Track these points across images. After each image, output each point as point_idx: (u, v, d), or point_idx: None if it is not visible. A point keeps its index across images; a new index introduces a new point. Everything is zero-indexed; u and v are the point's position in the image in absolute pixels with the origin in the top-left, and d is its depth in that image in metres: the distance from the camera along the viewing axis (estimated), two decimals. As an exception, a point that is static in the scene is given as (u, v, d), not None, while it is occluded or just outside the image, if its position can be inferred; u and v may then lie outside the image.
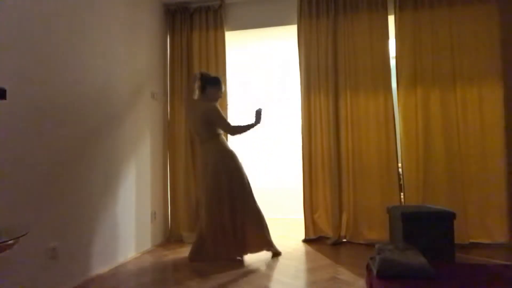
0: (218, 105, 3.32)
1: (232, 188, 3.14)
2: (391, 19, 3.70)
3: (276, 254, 3.24)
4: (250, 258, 3.17)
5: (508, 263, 2.76)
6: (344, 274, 2.68)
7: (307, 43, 3.85)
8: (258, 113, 3.25)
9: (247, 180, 3.26)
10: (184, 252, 3.46)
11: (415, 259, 1.90)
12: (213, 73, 3.61)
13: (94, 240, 2.80)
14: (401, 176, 3.63)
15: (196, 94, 3.36)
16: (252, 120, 3.23)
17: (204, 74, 3.40)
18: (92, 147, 2.82)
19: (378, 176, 3.60)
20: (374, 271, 1.89)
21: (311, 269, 2.87)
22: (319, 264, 2.96)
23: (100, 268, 2.84)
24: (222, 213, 3.10)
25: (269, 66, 5.52)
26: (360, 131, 3.67)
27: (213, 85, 3.33)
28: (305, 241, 3.72)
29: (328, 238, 3.69)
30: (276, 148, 5.43)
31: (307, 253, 3.35)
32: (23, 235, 1.42)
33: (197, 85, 3.35)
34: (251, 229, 3.16)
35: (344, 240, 3.66)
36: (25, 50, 2.23)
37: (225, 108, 3.91)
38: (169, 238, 4.02)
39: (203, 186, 3.26)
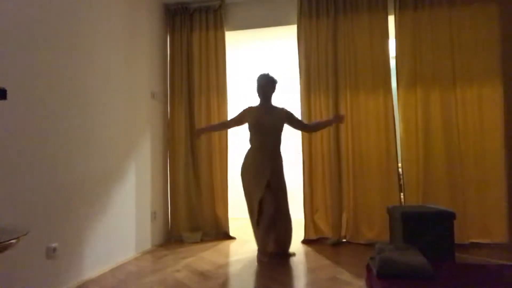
0: (256, 106, 3.29)
1: None
2: (391, 19, 3.71)
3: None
4: (250, 259, 3.18)
5: (508, 263, 2.76)
6: (344, 274, 2.68)
7: (307, 43, 3.85)
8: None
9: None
10: (184, 252, 3.47)
11: (415, 259, 1.90)
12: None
13: (94, 240, 2.80)
14: (401, 176, 3.63)
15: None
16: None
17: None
18: (92, 147, 2.82)
19: (378, 176, 3.61)
20: (374, 271, 1.90)
21: (311, 269, 2.87)
22: (319, 264, 2.96)
23: (100, 268, 2.84)
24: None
25: (269, 66, 5.52)
26: (360, 131, 3.68)
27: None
28: (305, 241, 3.72)
29: (328, 238, 3.69)
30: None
31: (307, 253, 3.35)
32: (24, 235, 1.42)
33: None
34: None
35: (344, 240, 3.66)
36: (25, 50, 2.23)
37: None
38: (169, 238, 4.02)
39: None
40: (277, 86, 3.31)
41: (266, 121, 3.18)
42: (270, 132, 3.19)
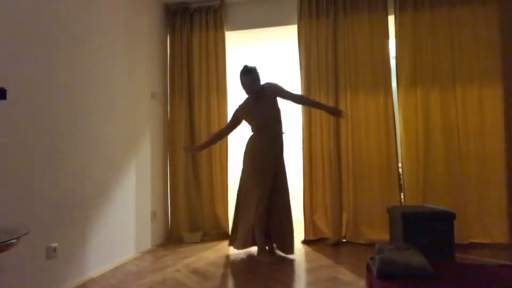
0: (244, 101, 3.28)
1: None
2: (391, 19, 3.71)
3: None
4: (250, 258, 3.18)
5: (508, 263, 2.76)
6: (344, 274, 2.68)
7: (307, 43, 3.85)
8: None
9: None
10: (184, 252, 3.47)
11: (415, 259, 1.89)
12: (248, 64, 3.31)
13: (94, 240, 2.80)
14: (401, 176, 3.63)
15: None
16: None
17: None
18: (92, 147, 2.82)
19: (378, 176, 3.61)
20: (374, 271, 1.89)
21: (311, 269, 2.87)
22: (319, 264, 2.96)
23: (100, 268, 2.84)
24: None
25: (269, 66, 5.52)
26: (360, 131, 3.68)
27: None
28: (305, 241, 3.72)
29: (328, 238, 3.69)
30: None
31: (307, 253, 3.35)
32: (24, 234, 1.42)
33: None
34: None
35: (344, 240, 3.66)
36: (25, 50, 2.23)
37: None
38: (169, 238, 4.02)
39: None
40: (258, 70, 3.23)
41: (258, 113, 3.18)
42: (266, 121, 3.18)
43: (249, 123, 3.29)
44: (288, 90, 3.25)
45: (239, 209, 3.32)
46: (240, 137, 4.55)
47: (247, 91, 3.22)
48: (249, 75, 3.15)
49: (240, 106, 3.30)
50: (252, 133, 3.27)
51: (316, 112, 3.79)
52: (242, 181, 3.32)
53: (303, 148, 3.84)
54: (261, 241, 3.16)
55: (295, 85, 4.17)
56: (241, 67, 3.21)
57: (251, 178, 3.18)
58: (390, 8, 3.70)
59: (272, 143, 3.18)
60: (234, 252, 3.45)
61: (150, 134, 3.75)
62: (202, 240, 3.90)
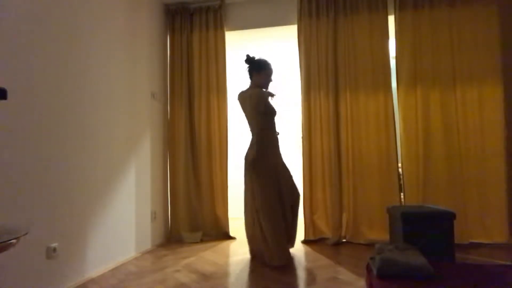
0: (264, 93, 3.13)
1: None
2: (391, 19, 3.71)
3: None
4: (250, 259, 3.18)
5: (508, 263, 2.76)
6: (344, 274, 2.68)
7: (307, 43, 3.85)
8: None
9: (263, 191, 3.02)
10: (184, 252, 3.47)
11: (415, 259, 1.90)
12: (261, 56, 3.29)
13: (94, 240, 2.80)
14: (401, 176, 3.63)
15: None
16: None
17: (249, 59, 3.23)
18: (92, 147, 2.82)
19: (378, 176, 3.61)
20: (374, 271, 1.89)
21: (311, 269, 2.87)
22: (319, 264, 2.96)
23: (100, 268, 2.84)
24: None
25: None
26: (360, 131, 3.68)
27: (258, 71, 3.18)
28: (305, 241, 3.72)
29: (328, 238, 3.69)
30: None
31: (307, 253, 3.35)
32: (24, 234, 1.42)
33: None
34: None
35: (344, 240, 3.66)
36: (25, 51, 2.23)
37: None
38: (169, 238, 4.02)
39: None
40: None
41: (271, 106, 3.18)
42: (275, 115, 3.19)
43: (265, 114, 3.05)
44: None
45: (275, 220, 2.95)
46: (239, 137, 4.55)
47: (268, 84, 3.24)
48: (270, 68, 3.25)
49: (264, 92, 3.13)
50: (263, 135, 3.03)
51: (316, 112, 3.80)
52: (264, 187, 2.97)
53: (303, 148, 3.84)
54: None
55: (295, 85, 4.18)
56: (264, 59, 3.24)
57: (274, 184, 3.01)
58: (390, 8, 3.70)
59: (277, 141, 3.21)
60: (234, 252, 3.45)
61: (150, 134, 3.75)
62: (202, 240, 3.91)
